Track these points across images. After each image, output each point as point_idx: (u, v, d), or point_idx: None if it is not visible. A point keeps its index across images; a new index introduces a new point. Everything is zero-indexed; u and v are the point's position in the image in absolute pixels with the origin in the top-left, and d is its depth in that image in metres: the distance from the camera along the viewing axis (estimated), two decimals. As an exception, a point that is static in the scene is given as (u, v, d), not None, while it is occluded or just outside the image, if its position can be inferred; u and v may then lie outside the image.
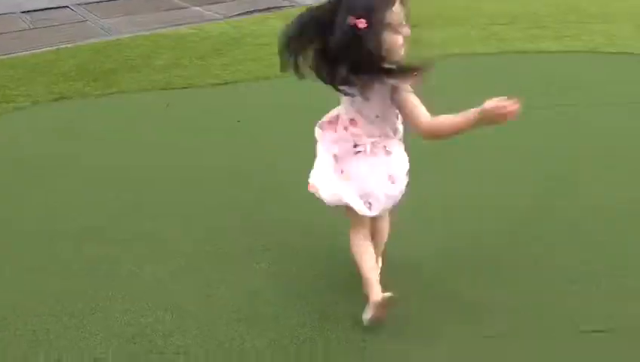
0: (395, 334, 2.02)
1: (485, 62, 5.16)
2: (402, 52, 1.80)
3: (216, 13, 7.20)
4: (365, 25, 1.65)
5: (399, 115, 1.95)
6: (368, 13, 1.67)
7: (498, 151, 3.41)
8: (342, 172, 2.00)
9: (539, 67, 5.05)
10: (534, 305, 2.18)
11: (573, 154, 3.40)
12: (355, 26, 1.66)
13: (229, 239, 2.63)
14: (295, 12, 7.33)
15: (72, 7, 7.63)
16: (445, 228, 2.66)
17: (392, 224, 2.27)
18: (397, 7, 1.75)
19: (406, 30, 1.78)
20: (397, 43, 1.77)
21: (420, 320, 2.10)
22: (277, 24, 6.56)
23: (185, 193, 3.04)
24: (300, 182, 3.03)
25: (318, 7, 1.83)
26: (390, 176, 1.96)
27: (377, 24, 1.68)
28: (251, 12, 7.25)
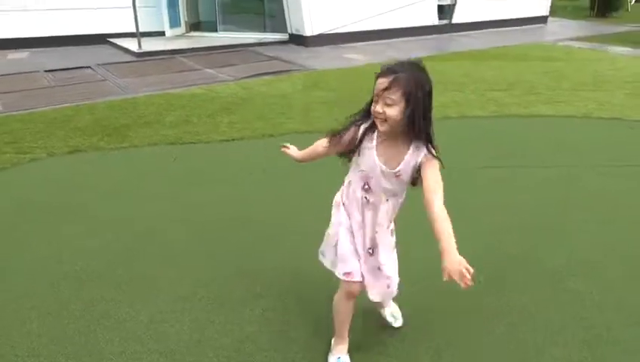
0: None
1: (483, 125, 5.39)
2: None
3: (228, 75, 7.61)
4: None
5: None
6: None
7: (489, 208, 3.54)
8: None
9: (533, 129, 5.26)
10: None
11: (562, 211, 3.51)
12: None
13: (225, 285, 2.71)
14: (302, 76, 7.80)
15: (93, 68, 8.11)
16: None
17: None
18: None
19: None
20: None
21: None
22: (284, 86, 6.95)
23: (184, 240, 3.16)
24: (297, 232, 3.19)
25: None
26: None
27: None
28: (261, 75, 7.66)
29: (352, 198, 2.04)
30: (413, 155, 1.85)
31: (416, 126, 1.77)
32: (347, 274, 2.05)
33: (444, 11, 12.09)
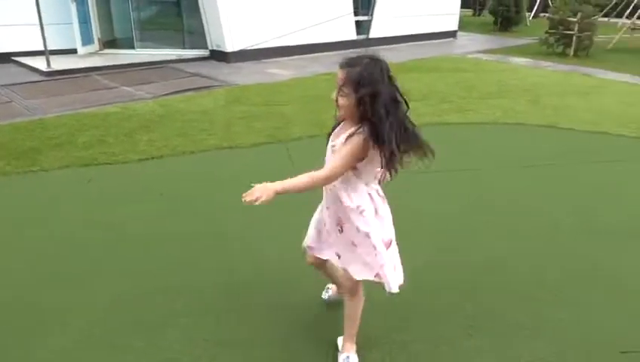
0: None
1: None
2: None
3: (146, 92, 7.40)
4: None
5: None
6: None
7: (403, 212, 3.70)
8: None
9: (446, 136, 5.57)
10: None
11: (470, 210, 3.75)
12: None
13: (144, 304, 2.63)
14: (223, 91, 7.73)
15: (-4, 89, 7.57)
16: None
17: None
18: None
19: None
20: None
21: None
22: (205, 102, 6.87)
23: (99, 261, 3.02)
24: (218, 248, 3.15)
25: None
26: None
27: None
28: (181, 91, 7.52)
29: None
30: (350, 131, 1.98)
31: (366, 115, 1.90)
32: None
33: (361, 27, 12.55)
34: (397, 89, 1.96)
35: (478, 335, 2.45)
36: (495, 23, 17.39)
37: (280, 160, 4.76)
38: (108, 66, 9.24)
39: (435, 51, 12.18)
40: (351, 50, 11.97)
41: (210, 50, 10.43)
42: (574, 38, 11.39)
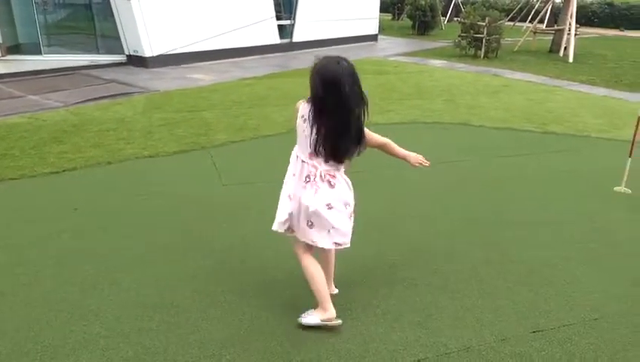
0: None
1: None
2: None
3: (57, 101, 6.94)
4: None
5: None
6: None
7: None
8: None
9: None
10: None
11: (392, 207, 3.88)
12: None
13: (61, 328, 2.45)
14: (143, 98, 7.42)
15: None
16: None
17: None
18: None
19: None
20: None
21: None
22: (123, 110, 6.57)
23: (4, 287, 2.78)
24: (137, 264, 3.01)
25: None
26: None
27: None
28: (96, 99, 7.13)
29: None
30: None
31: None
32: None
33: (284, 31, 12.59)
34: None
35: (402, 327, 2.52)
36: (413, 27, 18.12)
37: (204, 167, 4.65)
38: (12, 73, 8.57)
39: (358, 54, 12.47)
40: (274, 54, 12.02)
41: (128, 56, 9.99)
42: (484, 41, 12.13)
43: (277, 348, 2.38)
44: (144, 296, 2.73)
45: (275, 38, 12.24)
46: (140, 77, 8.86)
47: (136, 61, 9.81)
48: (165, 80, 8.65)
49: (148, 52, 9.66)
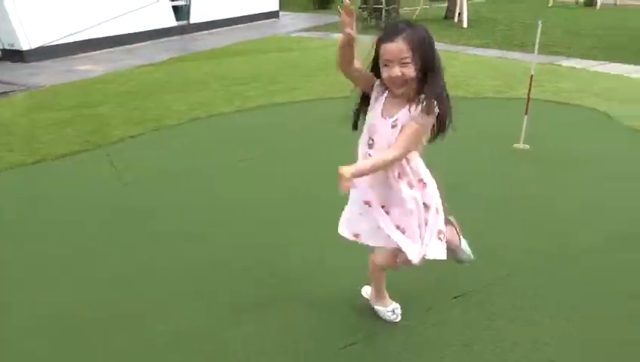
0: None
1: (230, 120, 5.45)
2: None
3: None
4: None
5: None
6: None
7: (247, 201, 3.58)
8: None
9: (275, 117, 5.56)
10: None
11: (315, 195, 3.78)
12: None
13: None
14: (24, 97, 6.70)
15: None
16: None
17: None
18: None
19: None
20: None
21: None
22: (0, 111, 5.84)
23: None
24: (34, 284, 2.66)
25: None
26: None
27: None
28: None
29: (359, 157, 2.05)
30: (413, 107, 1.86)
31: (429, 80, 1.83)
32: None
33: (180, 12, 11.89)
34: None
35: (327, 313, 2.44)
36: (313, 1, 17.97)
37: (100, 167, 4.23)
38: None
39: (260, 33, 12.13)
40: (170, 37, 11.34)
41: (2, 50, 8.92)
42: (383, 11, 12.30)
43: None
44: (36, 318, 2.40)
45: (170, 21, 11.54)
46: (19, 73, 7.95)
47: (13, 56, 8.78)
48: (49, 74, 7.83)
49: (25, 45, 8.68)
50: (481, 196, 3.61)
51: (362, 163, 1.94)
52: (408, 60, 1.78)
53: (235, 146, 4.66)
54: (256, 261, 2.86)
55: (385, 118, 1.91)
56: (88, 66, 8.43)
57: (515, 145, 4.56)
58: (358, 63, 1.89)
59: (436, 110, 1.84)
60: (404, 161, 1.96)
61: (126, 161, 4.34)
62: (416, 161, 2.02)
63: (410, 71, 1.80)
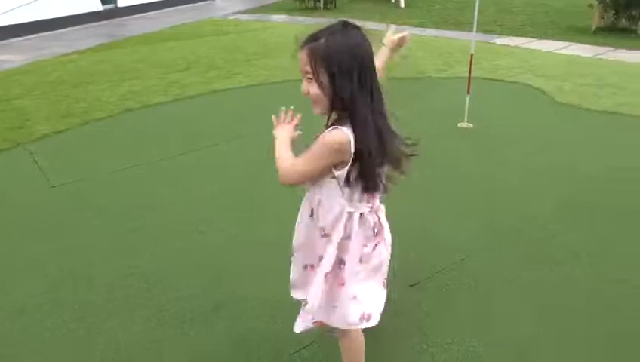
0: None
1: (167, 110, 5.14)
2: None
3: None
4: None
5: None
6: None
7: (204, 193, 3.38)
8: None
9: (216, 106, 5.32)
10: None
11: (263, 183, 3.62)
12: None
13: None
14: None
15: None
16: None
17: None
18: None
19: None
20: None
21: None
22: None
23: None
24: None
25: None
26: None
27: None
28: None
29: None
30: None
31: (337, 100, 1.45)
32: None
33: (106, -5, 11.17)
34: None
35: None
36: (249, -19, 17.44)
37: (23, 167, 3.86)
38: None
39: (195, 16, 11.61)
40: (98, 22, 10.63)
41: None
42: (322, -8, 12.09)
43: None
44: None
45: (97, 5, 10.81)
46: None
47: None
48: (-41, 66, 7.11)
49: None
50: (430, 177, 3.60)
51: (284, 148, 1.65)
52: (310, 76, 1.46)
53: (173, 139, 4.40)
54: (200, 265, 2.69)
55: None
56: (7, 56, 7.73)
57: (459, 123, 4.60)
58: None
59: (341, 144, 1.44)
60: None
61: (52, 159, 3.99)
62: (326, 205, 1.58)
63: (314, 89, 1.47)
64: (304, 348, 2.12)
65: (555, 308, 2.35)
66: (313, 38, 1.49)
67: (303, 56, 1.47)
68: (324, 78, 1.44)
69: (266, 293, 2.43)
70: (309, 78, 1.47)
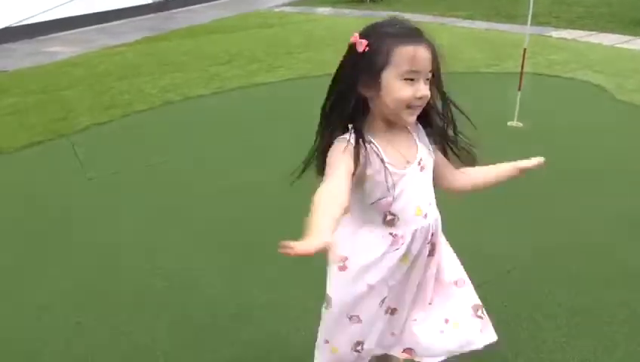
0: None
1: (208, 103, 5.12)
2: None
3: None
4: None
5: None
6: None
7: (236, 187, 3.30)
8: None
9: (257, 98, 5.25)
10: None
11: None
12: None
13: None
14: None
15: None
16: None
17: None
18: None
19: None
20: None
21: None
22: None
23: None
24: None
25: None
26: None
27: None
28: None
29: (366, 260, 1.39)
30: (420, 131, 1.42)
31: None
32: None
33: (156, -12, 11.35)
34: None
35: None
36: (295, -26, 17.36)
37: (63, 159, 3.92)
38: None
39: (241, 9, 11.63)
40: (146, 15, 10.82)
41: (-36, 33, 8.41)
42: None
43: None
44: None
45: (146, -3, 11.01)
46: (-19, 56, 7.49)
47: (-24, 38, 8.28)
48: (14, 57, 7.37)
49: (-12, 26, 8.17)
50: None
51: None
52: (429, 78, 1.30)
53: (213, 132, 4.35)
54: (225, 267, 2.60)
55: (402, 168, 1.34)
56: (58, 48, 7.97)
57: (509, 122, 4.32)
58: (336, 188, 1.19)
59: None
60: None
61: (92, 151, 4.03)
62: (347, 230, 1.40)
63: (428, 91, 1.31)
64: None
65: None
66: (419, 30, 1.30)
67: (426, 53, 1.26)
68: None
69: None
70: (426, 80, 1.28)
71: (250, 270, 2.54)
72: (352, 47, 1.31)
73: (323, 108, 1.38)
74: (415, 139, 1.39)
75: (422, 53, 1.25)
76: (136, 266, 2.60)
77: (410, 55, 1.24)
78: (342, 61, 1.37)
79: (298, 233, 1.01)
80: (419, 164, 1.36)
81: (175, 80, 5.87)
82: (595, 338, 2.07)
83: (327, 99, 1.38)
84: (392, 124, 1.34)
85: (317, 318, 1.55)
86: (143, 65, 6.60)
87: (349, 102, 1.31)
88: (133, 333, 2.16)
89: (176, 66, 6.49)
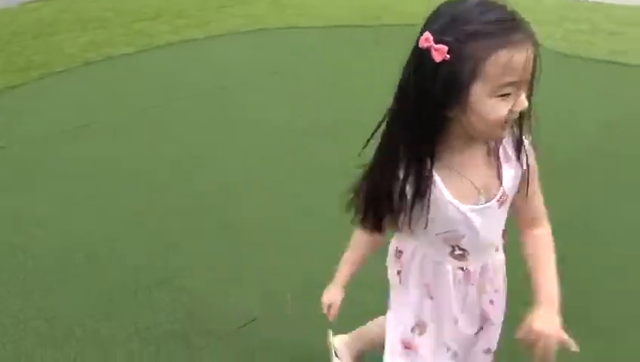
0: None
1: (132, 62, 4.85)
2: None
3: None
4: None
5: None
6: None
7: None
8: None
9: (187, 56, 5.03)
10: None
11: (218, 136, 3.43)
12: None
13: None
14: None
15: None
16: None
17: None
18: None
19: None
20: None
21: None
22: None
23: None
24: None
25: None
26: None
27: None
28: None
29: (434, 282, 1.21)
30: (508, 157, 1.10)
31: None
32: None
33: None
34: None
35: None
36: None
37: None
38: None
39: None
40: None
41: None
42: None
43: None
44: None
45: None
46: None
47: None
48: None
49: None
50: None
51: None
52: (527, 85, 0.98)
53: (139, 94, 4.15)
54: (152, 232, 2.56)
55: (473, 203, 1.09)
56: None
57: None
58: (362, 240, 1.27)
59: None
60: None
61: (7, 116, 3.76)
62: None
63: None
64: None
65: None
66: (519, 19, 0.95)
67: (526, 54, 0.93)
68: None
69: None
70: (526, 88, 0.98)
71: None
72: (425, 53, 0.94)
73: (386, 136, 1.07)
74: (500, 160, 1.10)
75: (521, 57, 0.92)
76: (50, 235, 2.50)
77: (507, 62, 0.91)
78: (409, 70, 0.99)
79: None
80: (499, 199, 1.09)
81: (96, 38, 5.50)
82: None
83: (391, 124, 1.06)
84: (471, 142, 1.07)
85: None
86: (60, 23, 6.12)
87: (425, 128, 1.00)
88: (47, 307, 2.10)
89: (97, 23, 6.07)
